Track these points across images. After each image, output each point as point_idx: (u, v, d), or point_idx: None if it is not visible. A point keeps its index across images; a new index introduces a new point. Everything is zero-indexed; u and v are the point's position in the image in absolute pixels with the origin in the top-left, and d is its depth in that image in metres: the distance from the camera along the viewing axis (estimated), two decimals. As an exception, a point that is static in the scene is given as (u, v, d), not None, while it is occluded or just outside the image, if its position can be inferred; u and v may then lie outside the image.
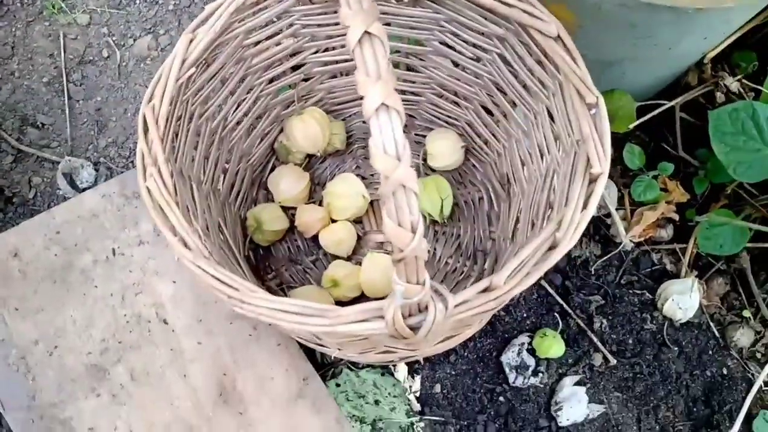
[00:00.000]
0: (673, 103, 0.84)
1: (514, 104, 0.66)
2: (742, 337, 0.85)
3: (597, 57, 0.75)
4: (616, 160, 0.88)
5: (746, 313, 0.86)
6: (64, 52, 0.87)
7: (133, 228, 0.75)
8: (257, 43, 0.65)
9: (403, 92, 0.76)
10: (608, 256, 0.85)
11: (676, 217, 0.86)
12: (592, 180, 0.51)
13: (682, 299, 0.82)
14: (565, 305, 0.83)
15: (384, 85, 0.40)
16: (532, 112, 0.64)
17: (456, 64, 0.69)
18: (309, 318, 0.47)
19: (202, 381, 0.70)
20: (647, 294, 0.85)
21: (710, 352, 0.84)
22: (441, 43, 0.67)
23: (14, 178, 0.81)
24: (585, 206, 0.50)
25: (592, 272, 0.85)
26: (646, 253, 0.87)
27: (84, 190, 0.80)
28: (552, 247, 0.49)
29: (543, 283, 0.84)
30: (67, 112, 0.84)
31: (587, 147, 0.52)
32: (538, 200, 0.62)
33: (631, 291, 0.85)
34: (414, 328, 0.46)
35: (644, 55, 0.74)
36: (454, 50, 0.67)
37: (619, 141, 0.87)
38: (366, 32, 0.41)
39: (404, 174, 0.39)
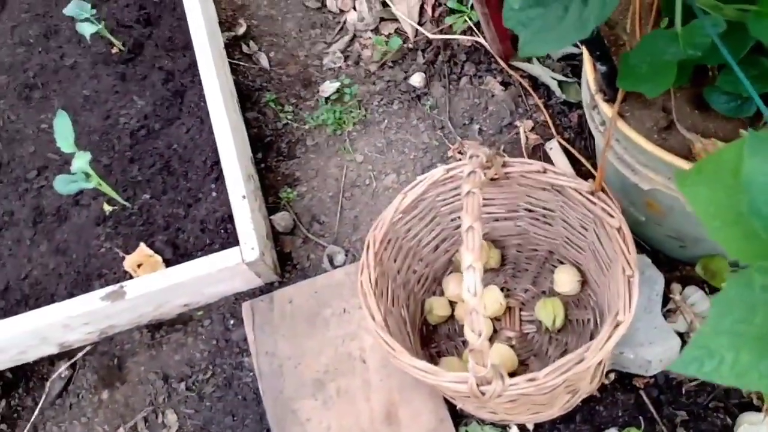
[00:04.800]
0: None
1: (606, 264, 0.90)
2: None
3: (688, 233, 0.96)
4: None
5: (824, 459, 0.95)
6: (344, 178, 1.29)
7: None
8: (445, 199, 0.99)
9: (545, 236, 1.04)
10: (701, 381, 1.01)
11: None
12: (617, 325, 0.75)
13: (752, 429, 0.95)
14: (654, 413, 1.00)
15: (474, 255, 0.70)
16: (613, 269, 0.87)
17: (574, 227, 0.96)
18: (425, 374, 0.77)
19: (377, 405, 1.02)
20: (728, 419, 0.99)
21: (780, 484, 0.95)
22: (562, 212, 0.95)
23: (300, 253, 1.24)
24: (604, 346, 0.74)
25: (684, 392, 1.02)
26: (737, 388, 1.01)
27: (336, 267, 1.19)
28: (579, 362, 0.74)
29: (641, 392, 1.02)
30: (338, 216, 1.26)
31: (619, 301, 0.76)
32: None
33: (714, 414, 0.99)
34: (483, 393, 0.74)
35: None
36: (569, 219, 0.94)
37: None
38: (470, 227, 0.72)
39: (476, 304, 0.69)
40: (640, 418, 1.00)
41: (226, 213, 1.20)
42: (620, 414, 1.02)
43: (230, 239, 1.18)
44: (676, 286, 1.04)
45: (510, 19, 0.57)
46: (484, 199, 0.99)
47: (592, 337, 0.99)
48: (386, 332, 0.84)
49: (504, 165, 0.90)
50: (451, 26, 1.38)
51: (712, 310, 0.37)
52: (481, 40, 1.32)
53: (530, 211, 0.99)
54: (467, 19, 1.35)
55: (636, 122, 0.75)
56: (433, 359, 1.03)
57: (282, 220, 1.25)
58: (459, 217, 1.01)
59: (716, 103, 0.70)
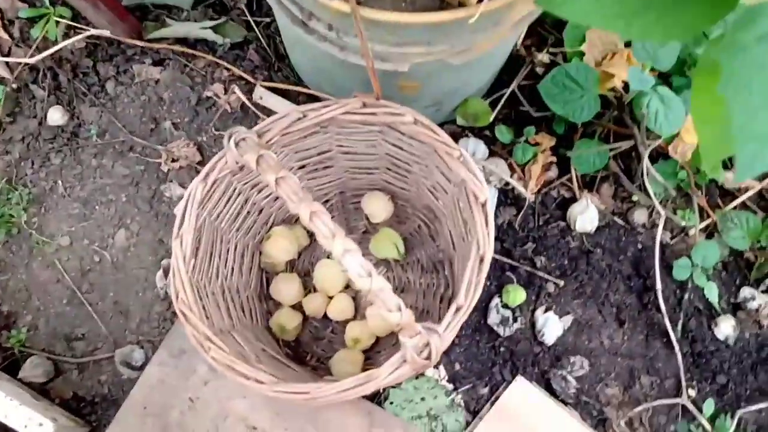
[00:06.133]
0: (511, 88, 1.04)
1: (408, 164, 0.85)
2: (640, 216, 1.07)
3: (446, 90, 0.95)
4: (496, 140, 1.08)
5: (635, 198, 1.08)
6: (66, 272, 1.02)
7: (193, 375, 0.92)
8: (219, 214, 0.82)
9: (330, 180, 0.95)
10: (522, 211, 1.06)
11: (554, 159, 1.07)
12: (483, 204, 0.71)
13: (584, 215, 1.03)
14: (511, 261, 1.03)
15: (340, 237, 0.58)
16: (424, 164, 0.83)
17: (359, 153, 0.88)
18: (363, 387, 0.66)
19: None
20: (562, 223, 1.06)
21: (624, 239, 1.05)
22: (340, 146, 0.86)
23: (87, 384, 0.97)
24: (486, 224, 0.70)
25: (517, 228, 1.05)
26: (547, 194, 1.08)
27: (142, 366, 0.96)
28: (481, 260, 0.69)
29: (489, 253, 1.04)
30: (95, 316, 1.00)
31: (467, 184, 0.71)
32: (456, 220, 0.82)
33: (549, 227, 1.06)
34: (428, 357, 0.65)
35: (469, 75, 0.93)
36: (350, 147, 0.86)
37: (491, 126, 1.07)
38: (312, 212, 0.59)
39: (378, 284, 0.58)
40: (507, 273, 1.02)
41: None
42: (489, 283, 1.03)
43: (-5, 437, 0.87)
44: (453, 147, 1.05)
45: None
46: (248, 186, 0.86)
47: (434, 239, 0.95)
48: (282, 383, 0.69)
49: (259, 136, 0.76)
50: (45, 37, 1.10)
51: (729, 108, 0.32)
52: (95, 31, 1.07)
53: (303, 167, 0.88)
54: (58, 18, 1.08)
55: (376, 4, 0.68)
56: (318, 370, 0.90)
57: (35, 367, 0.96)
58: (242, 222, 0.87)
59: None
